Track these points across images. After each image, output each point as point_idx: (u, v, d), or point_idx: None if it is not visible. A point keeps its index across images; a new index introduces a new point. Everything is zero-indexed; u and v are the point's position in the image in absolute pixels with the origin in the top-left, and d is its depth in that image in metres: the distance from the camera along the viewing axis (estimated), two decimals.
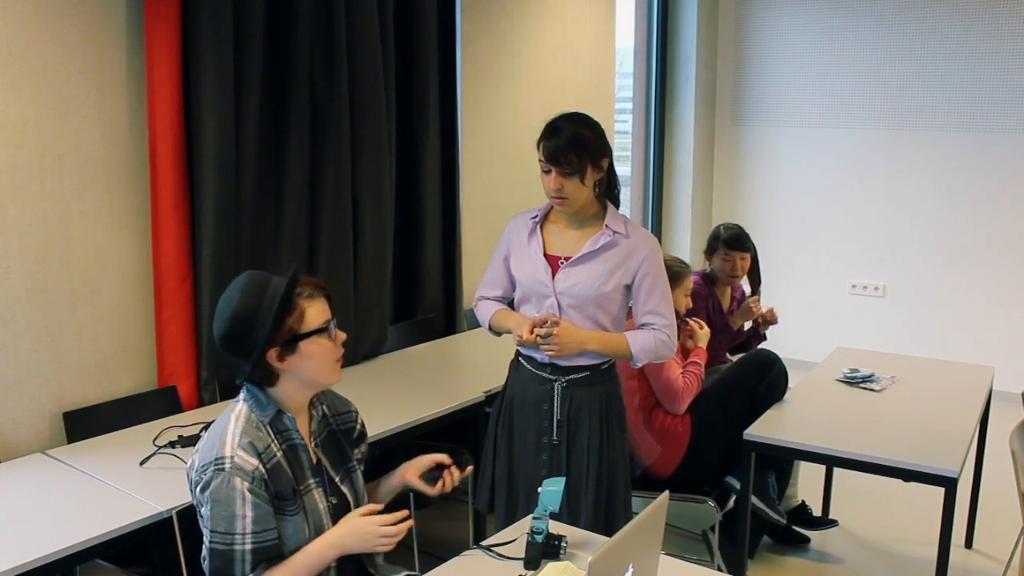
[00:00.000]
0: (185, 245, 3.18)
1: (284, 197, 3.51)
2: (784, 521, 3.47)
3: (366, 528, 1.90)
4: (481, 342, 4.16)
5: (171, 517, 2.30)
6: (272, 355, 1.88)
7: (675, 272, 3.37)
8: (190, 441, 2.73)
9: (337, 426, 2.11)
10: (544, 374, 2.66)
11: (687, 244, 6.59)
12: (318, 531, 1.94)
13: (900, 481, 2.88)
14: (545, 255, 2.63)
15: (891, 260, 6.20)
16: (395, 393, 3.42)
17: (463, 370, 3.90)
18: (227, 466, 1.83)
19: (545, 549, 2.06)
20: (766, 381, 3.37)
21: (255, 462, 1.85)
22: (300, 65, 3.44)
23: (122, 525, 2.22)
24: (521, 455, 2.73)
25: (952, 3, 5.73)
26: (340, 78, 3.57)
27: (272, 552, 1.86)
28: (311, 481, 1.97)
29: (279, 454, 1.91)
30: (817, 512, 3.98)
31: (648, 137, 6.45)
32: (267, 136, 3.42)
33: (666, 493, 1.76)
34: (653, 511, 1.71)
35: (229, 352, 1.90)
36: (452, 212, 4.35)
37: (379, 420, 2.99)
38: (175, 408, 3.16)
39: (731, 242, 4.01)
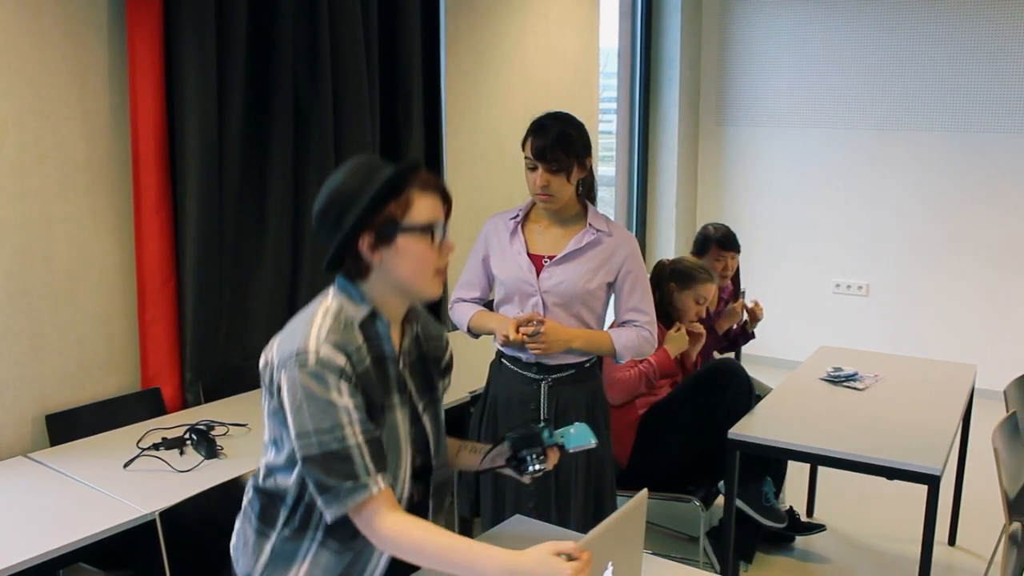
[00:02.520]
0: (168, 246, 3.16)
1: (268, 197, 3.50)
2: (783, 524, 3.46)
3: (560, 569, 1.47)
4: (465, 342, 4.12)
5: (155, 520, 2.28)
6: (365, 242, 1.64)
7: (688, 275, 3.47)
8: (174, 443, 2.72)
9: (428, 351, 1.86)
10: (530, 374, 2.66)
11: (671, 244, 6.60)
12: (396, 458, 1.70)
13: (884, 479, 2.90)
14: (528, 254, 2.63)
15: (874, 259, 6.23)
16: None
17: None
18: (311, 360, 1.58)
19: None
20: (726, 398, 3.30)
21: (343, 361, 1.60)
22: (283, 64, 3.43)
23: (105, 528, 2.21)
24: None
25: (934, 5, 5.77)
26: (323, 78, 3.56)
27: (382, 449, 1.63)
28: (396, 399, 1.72)
29: (368, 361, 1.66)
30: (801, 510, 4.00)
31: (632, 137, 6.47)
32: (250, 136, 3.41)
33: (644, 492, 1.73)
34: (631, 509, 1.68)
35: (322, 232, 1.68)
36: None
37: None
38: (159, 410, 3.14)
39: (723, 242, 4.00)
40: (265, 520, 1.77)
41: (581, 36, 5.50)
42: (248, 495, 1.83)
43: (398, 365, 1.74)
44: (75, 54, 2.92)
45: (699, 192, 6.86)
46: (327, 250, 1.67)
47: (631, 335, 2.64)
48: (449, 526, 1.88)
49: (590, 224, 2.62)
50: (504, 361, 2.73)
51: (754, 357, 5.88)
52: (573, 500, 2.67)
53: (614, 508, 2.77)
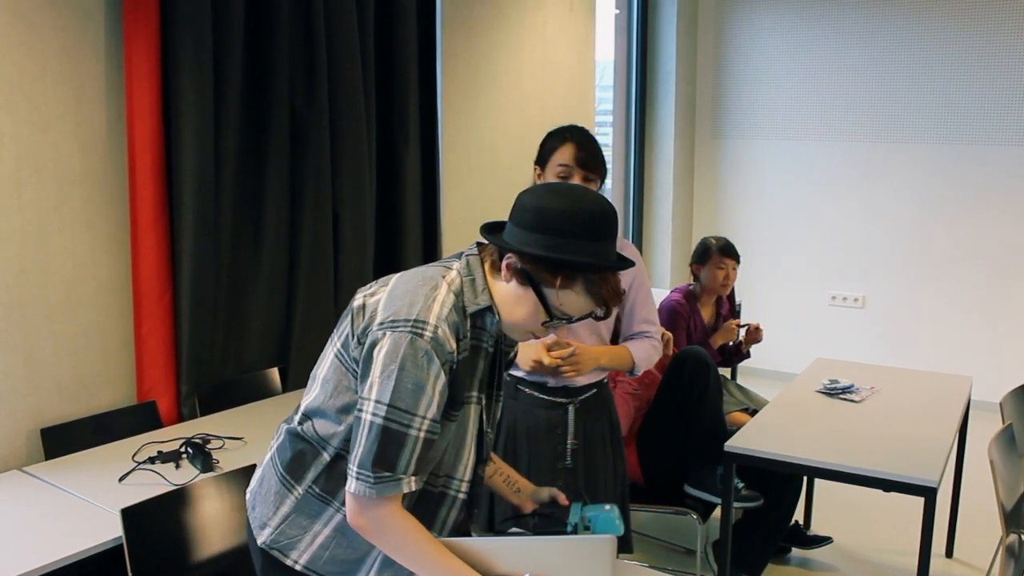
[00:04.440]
0: (164, 259, 3.16)
1: (264, 211, 3.50)
2: (759, 501, 3.40)
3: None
4: None
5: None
6: (548, 271, 1.57)
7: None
8: (170, 457, 2.71)
9: (504, 347, 1.83)
10: (556, 398, 2.61)
11: (667, 256, 6.61)
12: (459, 451, 1.69)
13: (880, 491, 2.90)
14: None
15: (870, 271, 6.25)
16: None
17: None
18: (427, 334, 1.52)
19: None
20: (695, 389, 3.33)
21: (454, 346, 1.56)
22: (280, 78, 3.44)
23: (101, 542, 2.20)
24: None
25: (926, 18, 5.80)
26: (320, 92, 3.56)
27: (429, 453, 1.58)
28: (474, 395, 1.69)
29: (467, 352, 1.63)
30: (801, 522, 3.99)
31: (628, 150, 6.48)
32: (247, 150, 3.42)
33: (610, 538, 1.64)
34: (586, 546, 1.63)
35: (544, 224, 1.56)
36: (432, 226, 4.34)
37: None
38: (154, 424, 3.13)
39: (725, 249, 3.99)
40: (293, 471, 1.70)
41: (577, 50, 5.52)
42: (279, 438, 1.76)
43: (487, 360, 1.71)
44: (72, 67, 2.93)
45: (695, 205, 6.87)
46: (515, 238, 1.60)
47: (645, 346, 2.66)
48: (463, 533, 1.87)
49: None
50: (522, 388, 2.63)
51: (750, 369, 5.88)
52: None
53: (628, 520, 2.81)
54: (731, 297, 4.19)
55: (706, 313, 4.06)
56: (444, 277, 1.62)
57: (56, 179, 2.91)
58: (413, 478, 1.56)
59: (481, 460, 1.79)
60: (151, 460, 2.70)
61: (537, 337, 1.70)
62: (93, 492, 2.49)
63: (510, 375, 2.64)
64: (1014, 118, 5.64)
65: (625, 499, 2.79)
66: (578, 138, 2.51)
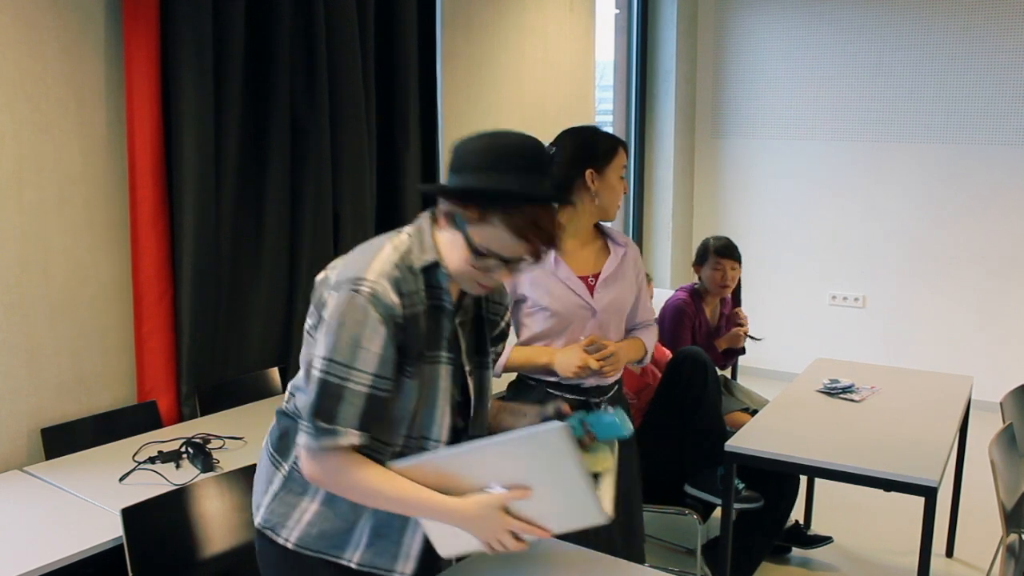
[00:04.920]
0: (165, 259, 3.16)
1: (265, 211, 3.50)
2: (760, 503, 3.39)
3: (496, 521, 1.59)
4: None
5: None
6: (462, 205, 1.58)
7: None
8: (170, 457, 2.71)
9: (487, 313, 1.82)
10: (590, 398, 2.62)
11: (667, 256, 6.61)
12: (430, 413, 1.67)
13: (881, 491, 2.90)
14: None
15: (870, 271, 6.25)
16: None
17: None
18: (364, 290, 1.55)
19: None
20: (692, 389, 3.34)
21: (396, 300, 1.57)
22: (280, 78, 3.44)
23: (101, 542, 2.20)
24: None
25: (927, 17, 5.80)
26: (320, 91, 3.57)
27: (379, 411, 1.59)
28: (442, 354, 1.68)
29: (422, 308, 1.63)
30: (801, 521, 3.99)
31: (629, 150, 6.47)
32: (247, 150, 3.42)
33: (558, 425, 1.54)
34: (540, 436, 1.54)
35: (470, 161, 1.59)
36: None
37: None
38: (155, 424, 3.13)
39: (722, 251, 3.99)
40: (280, 448, 1.75)
41: (577, 50, 5.52)
42: (274, 420, 1.81)
43: (454, 320, 1.70)
44: (73, 68, 2.93)
45: (695, 204, 6.87)
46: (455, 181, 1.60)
47: (651, 335, 2.76)
48: None
49: (613, 239, 2.67)
50: (553, 392, 2.59)
51: (750, 369, 5.89)
52: (636, 519, 2.75)
53: (641, 521, 2.84)
54: (736, 295, 4.17)
55: (710, 312, 4.07)
56: (392, 239, 1.65)
57: (57, 179, 2.91)
58: (356, 432, 1.56)
59: (465, 428, 1.78)
60: (152, 460, 2.70)
61: (484, 287, 1.66)
62: (93, 492, 2.49)
63: (534, 380, 2.61)
64: (1015, 118, 5.64)
65: (638, 494, 2.81)
66: (621, 143, 2.63)
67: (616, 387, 2.74)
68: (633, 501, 2.79)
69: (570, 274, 2.56)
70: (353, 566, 1.71)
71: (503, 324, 1.88)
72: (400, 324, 1.58)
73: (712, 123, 6.71)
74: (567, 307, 2.55)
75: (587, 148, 2.57)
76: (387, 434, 1.65)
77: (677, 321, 3.87)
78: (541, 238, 1.58)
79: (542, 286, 2.55)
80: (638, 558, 2.77)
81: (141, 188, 3.08)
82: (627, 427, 1.73)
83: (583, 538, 2.58)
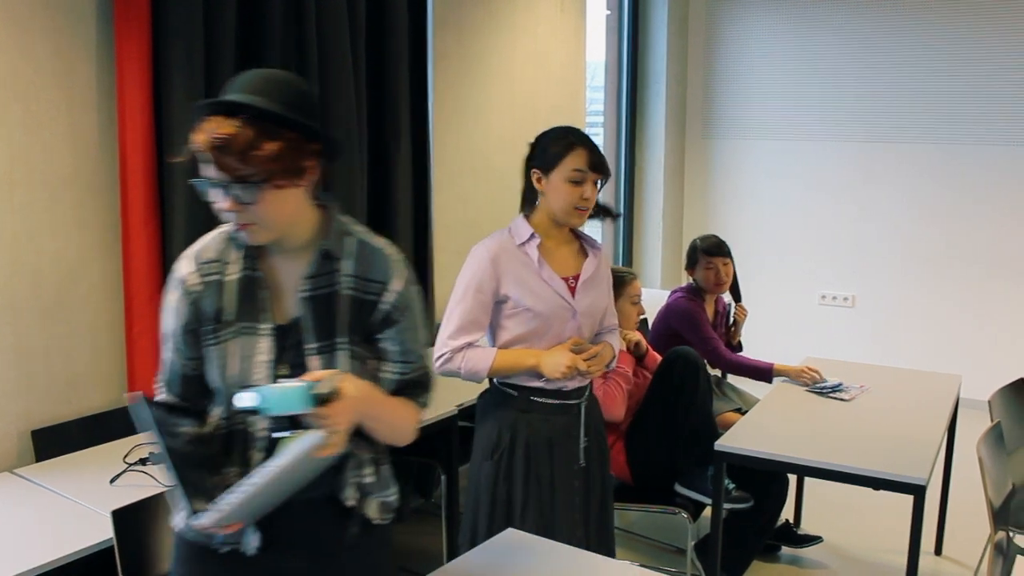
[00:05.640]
0: (156, 261, 3.16)
1: None
2: (749, 503, 3.41)
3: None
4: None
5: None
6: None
7: (619, 278, 3.30)
8: (161, 458, 2.70)
9: (358, 292, 1.69)
10: (571, 400, 2.61)
11: (657, 257, 6.63)
12: (244, 383, 1.62)
13: (870, 489, 2.92)
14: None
15: (859, 271, 6.27)
16: None
17: (435, 383, 3.88)
18: (175, 268, 1.72)
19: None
20: (685, 390, 3.35)
21: (188, 270, 1.68)
22: None
23: (92, 544, 2.20)
24: (558, 498, 2.60)
25: (916, 19, 5.83)
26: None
27: (176, 375, 1.70)
28: (260, 326, 1.65)
29: (232, 277, 1.67)
30: (791, 521, 4.01)
31: (619, 150, 6.49)
32: None
33: (313, 434, 1.50)
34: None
35: (299, 110, 1.63)
36: (424, 227, 4.35)
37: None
38: None
39: (711, 249, 4.00)
40: None
41: (568, 50, 5.53)
42: None
43: (278, 291, 1.68)
44: (64, 69, 2.93)
45: (685, 205, 6.89)
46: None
47: (616, 339, 2.76)
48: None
49: (588, 242, 2.67)
50: (536, 399, 2.57)
51: None
52: (609, 515, 2.77)
53: (613, 522, 2.85)
54: (735, 289, 4.17)
55: (708, 311, 4.09)
56: None
57: (48, 181, 2.91)
58: (165, 390, 1.73)
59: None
60: (142, 462, 2.70)
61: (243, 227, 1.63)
62: (84, 494, 2.49)
63: (514, 387, 2.56)
64: (1002, 118, 5.67)
65: (611, 496, 2.85)
66: (587, 142, 2.52)
67: (589, 389, 2.72)
68: (607, 504, 2.80)
69: (553, 274, 2.54)
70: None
71: (386, 307, 1.69)
72: (190, 292, 1.68)
73: (702, 124, 6.72)
74: (551, 307, 2.52)
75: (535, 148, 2.57)
76: (204, 401, 1.71)
77: (695, 322, 3.88)
78: (205, 146, 1.58)
79: (526, 286, 2.51)
80: (609, 555, 2.78)
81: (132, 189, 3.08)
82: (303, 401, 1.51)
83: (560, 536, 2.61)
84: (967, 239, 5.90)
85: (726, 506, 3.23)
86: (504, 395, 2.59)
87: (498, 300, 2.53)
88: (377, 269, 1.70)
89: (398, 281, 1.70)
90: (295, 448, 1.50)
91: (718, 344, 3.90)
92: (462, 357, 2.49)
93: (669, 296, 4.08)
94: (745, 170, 6.61)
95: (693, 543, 3.50)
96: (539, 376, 2.52)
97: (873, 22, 5.97)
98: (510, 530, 2.26)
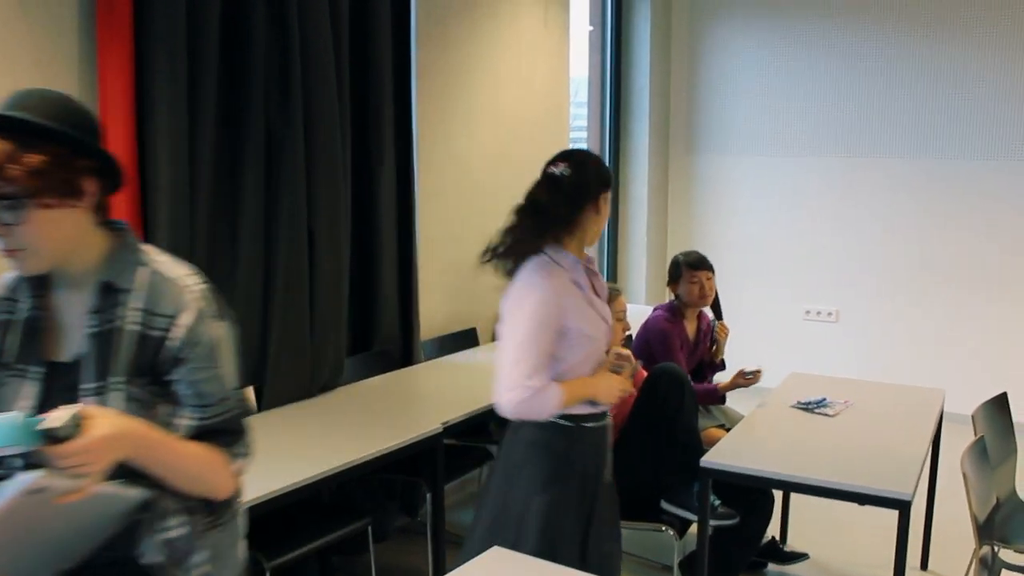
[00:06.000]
0: None
1: (239, 227, 3.48)
2: (735, 519, 3.39)
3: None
4: (438, 373, 4.14)
5: None
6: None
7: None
8: None
9: (144, 327, 1.54)
10: (605, 421, 2.61)
11: (642, 272, 6.63)
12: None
13: (855, 505, 2.91)
14: None
15: (843, 286, 6.30)
16: (353, 425, 3.39)
17: (421, 401, 3.88)
18: None
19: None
20: (668, 405, 3.37)
21: None
22: (255, 94, 3.43)
23: None
24: (602, 522, 2.63)
25: (897, 36, 5.88)
26: (295, 107, 3.55)
27: None
28: (26, 369, 1.55)
29: (20, 316, 1.58)
30: (777, 537, 4.00)
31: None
32: (222, 165, 3.40)
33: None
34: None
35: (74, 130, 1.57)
36: (408, 242, 4.34)
37: (337, 453, 2.96)
38: None
39: (694, 263, 4.01)
40: None
41: (551, 66, 5.54)
42: None
43: (58, 331, 1.57)
44: (45, 81, 2.90)
45: (669, 220, 6.91)
46: None
47: None
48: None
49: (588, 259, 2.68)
50: (586, 424, 2.53)
51: None
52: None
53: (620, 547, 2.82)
54: (716, 306, 4.18)
55: (690, 328, 4.08)
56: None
57: None
58: None
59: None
60: None
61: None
62: None
63: (571, 416, 2.48)
64: (984, 133, 5.73)
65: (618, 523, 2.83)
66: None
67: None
68: (615, 530, 2.78)
69: (594, 297, 2.55)
70: None
71: (174, 344, 1.55)
72: None
73: (686, 139, 6.75)
74: (601, 330, 2.53)
75: (603, 171, 2.62)
76: None
77: (667, 346, 3.89)
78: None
79: (581, 314, 2.46)
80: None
81: (114, 203, 3.04)
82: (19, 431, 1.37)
83: (594, 555, 2.59)
84: (951, 254, 5.94)
85: (712, 523, 3.22)
86: (558, 427, 2.50)
87: (559, 332, 2.43)
88: (167, 302, 1.56)
89: (188, 315, 1.56)
90: (7, 490, 1.32)
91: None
92: (538, 398, 2.36)
93: (650, 313, 4.08)
94: (729, 185, 6.64)
95: (679, 560, 3.49)
96: (590, 403, 2.50)
97: (854, 40, 6.02)
98: (496, 548, 2.24)
